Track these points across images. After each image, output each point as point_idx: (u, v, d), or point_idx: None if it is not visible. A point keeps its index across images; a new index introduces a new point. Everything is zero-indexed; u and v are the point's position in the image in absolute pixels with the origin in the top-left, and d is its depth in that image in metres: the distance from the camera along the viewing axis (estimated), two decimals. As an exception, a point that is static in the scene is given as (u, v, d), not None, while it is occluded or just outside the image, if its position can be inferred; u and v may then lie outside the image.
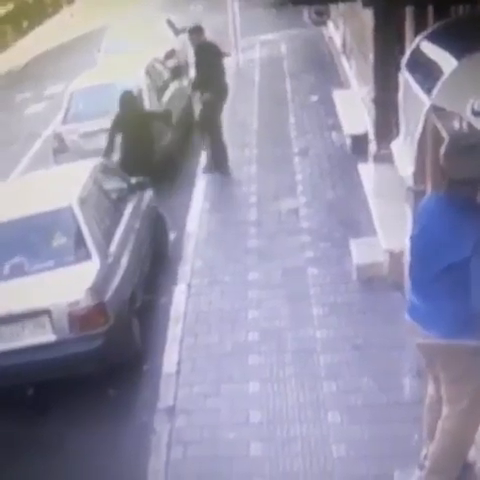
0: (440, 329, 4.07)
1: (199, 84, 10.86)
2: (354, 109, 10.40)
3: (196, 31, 10.95)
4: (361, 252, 7.25)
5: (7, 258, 6.75)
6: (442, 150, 4.01)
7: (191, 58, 12.20)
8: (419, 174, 5.36)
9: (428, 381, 4.54)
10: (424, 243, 4.13)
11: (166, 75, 12.50)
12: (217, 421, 5.68)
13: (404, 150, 5.71)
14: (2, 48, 27.63)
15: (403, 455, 4.87)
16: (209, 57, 10.66)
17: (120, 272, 6.79)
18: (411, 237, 4.32)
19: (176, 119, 11.57)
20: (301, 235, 8.27)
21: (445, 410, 4.26)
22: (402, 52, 6.93)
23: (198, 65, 10.86)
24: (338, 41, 14.26)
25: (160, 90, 11.73)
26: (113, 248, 6.96)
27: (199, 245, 8.56)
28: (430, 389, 4.50)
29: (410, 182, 5.58)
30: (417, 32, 6.46)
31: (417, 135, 5.11)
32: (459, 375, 4.13)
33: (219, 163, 10.54)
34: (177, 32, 16.45)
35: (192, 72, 11.91)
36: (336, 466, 5.01)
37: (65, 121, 11.13)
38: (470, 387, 4.14)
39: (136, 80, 11.22)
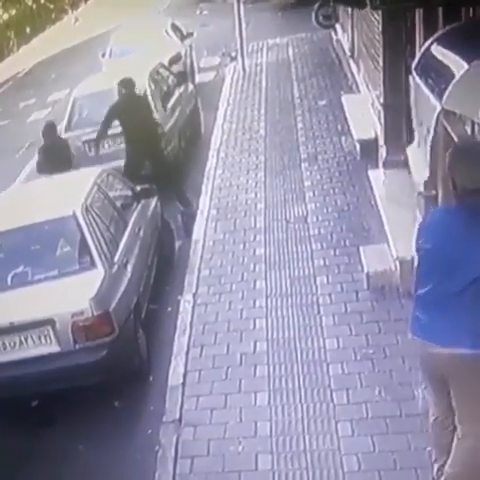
0: (463, 343, 3.91)
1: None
2: (363, 114, 10.32)
3: (125, 84, 9.64)
4: (372, 260, 7.15)
5: (11, 267, 6.66)
6: (447, 158, 3.93)
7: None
8: (431, 180, 5.29)
9: (431, 401, 4.38)
10: (441, 259, 3.97)
11: (171, 80, 12.40)
12: (224, 434, 5.58)
13: (418, 155, 5.64)
14: (5, 54, 27.50)
15: (416, 468, 4.77)
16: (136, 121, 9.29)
17: (125, 281, 6.71)
18: (421, 253, 4.14)
19: (182, 125, 11.48)
20: (310, 243, 8.16)
21: (462, 429, 4.09)
22: (412, 55, 6.86)
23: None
24: (346, 44, 14.20)
25: (165, 95, 11.63)
26: (118, 257, 6.88)
27: (205, 253, 8.46)
28: (435, 409, 4.34)
29: (421, 188, 5.52)
30: (427, 35, 6.42)
31: (429, 140, 5.03)
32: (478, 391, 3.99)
33: None
34: (183, 37, 16.36)
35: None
36: (347, 480, 4.92)
37: (68, 128, 11.03)
38: None
39: (140, 85, 11.11)
